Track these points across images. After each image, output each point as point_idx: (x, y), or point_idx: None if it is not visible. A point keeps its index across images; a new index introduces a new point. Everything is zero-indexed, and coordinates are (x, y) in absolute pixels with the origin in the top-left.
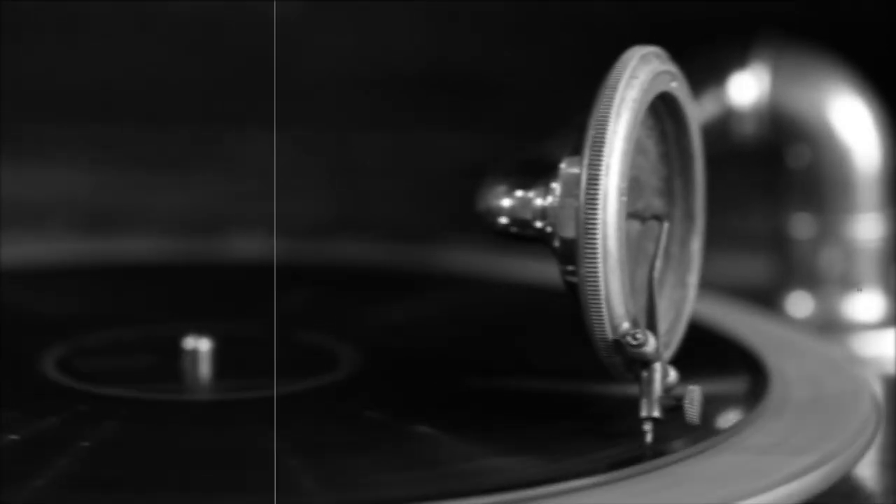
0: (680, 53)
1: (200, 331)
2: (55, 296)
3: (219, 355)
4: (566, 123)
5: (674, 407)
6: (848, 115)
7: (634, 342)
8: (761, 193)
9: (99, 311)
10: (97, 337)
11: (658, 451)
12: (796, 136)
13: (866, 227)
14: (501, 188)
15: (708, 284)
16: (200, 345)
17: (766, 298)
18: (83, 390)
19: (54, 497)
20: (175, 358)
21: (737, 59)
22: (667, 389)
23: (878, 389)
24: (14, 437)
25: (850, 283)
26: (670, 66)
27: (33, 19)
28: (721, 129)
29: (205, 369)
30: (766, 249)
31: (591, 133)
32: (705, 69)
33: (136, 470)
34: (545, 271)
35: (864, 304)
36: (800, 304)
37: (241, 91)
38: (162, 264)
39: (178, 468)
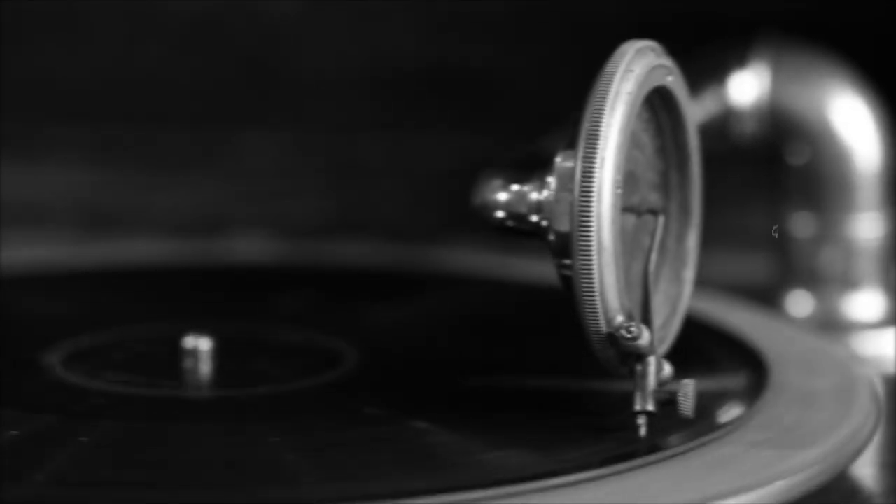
0: (680, 52)
1: (200, 331)
2: (55, 296)
3: (219, 354)
4: (565, 122)
5: (668, 401)
6: (848, 115)
7: (629, 335)
8: (761, 192)
9: (99, 311)
10: (97, 336)
11: (653, 445)
12: (796, 135)
13: (866, 226)
14: (497, 182)
15: (707, 282)
16: (200, 344)
17: (766, 297)
18: (83, 389)
19: (53, 495)
20: (175, 357)
21: (737, 58)
22: (661, 383)
23: (877, 386)
24: (14, 432)
25: (850, 283)
26: (666, 61)
27: (33, 19)
28: (721, 129)
29: (205, 368)
30: (766, 248)
31: (585, 126)
32: (705, 68)
33: (135, 468)
34: (542, 270)
35: (864, 304)
36: (800, 302)
37: (241, 91)
38: (162, 264)
39: (178, 466)
